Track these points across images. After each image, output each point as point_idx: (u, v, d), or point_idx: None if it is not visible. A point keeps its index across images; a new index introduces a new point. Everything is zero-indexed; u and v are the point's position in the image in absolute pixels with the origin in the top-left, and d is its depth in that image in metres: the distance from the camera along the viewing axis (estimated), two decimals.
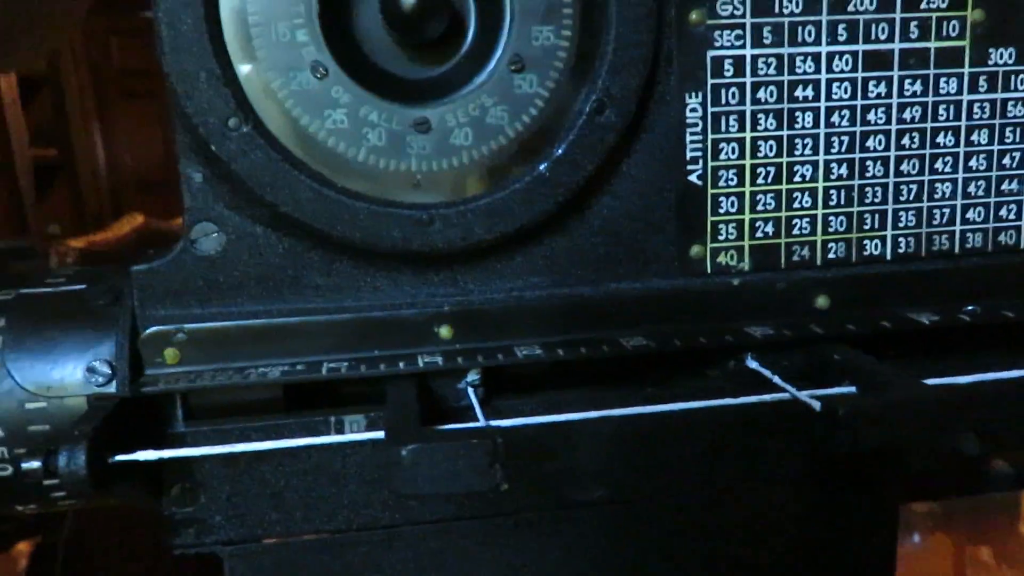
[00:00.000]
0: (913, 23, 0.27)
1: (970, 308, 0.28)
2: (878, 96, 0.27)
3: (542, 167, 0.26)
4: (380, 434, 0.25)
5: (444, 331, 0.26)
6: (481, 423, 0.24)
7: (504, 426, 0.25)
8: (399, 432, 0.22)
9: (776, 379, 0.26)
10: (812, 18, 0.27)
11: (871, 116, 0.28)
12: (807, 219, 0.28)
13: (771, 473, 0.27)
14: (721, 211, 0.27)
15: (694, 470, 0.27)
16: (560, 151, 0.26)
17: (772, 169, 0.27)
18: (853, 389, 0.25)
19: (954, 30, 0.27)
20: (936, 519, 0.71)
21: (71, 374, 0.25)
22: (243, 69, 0.24)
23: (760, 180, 0.27)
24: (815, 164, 0.28)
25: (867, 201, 0.28)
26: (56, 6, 0.29)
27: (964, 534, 0.70)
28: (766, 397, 0.25)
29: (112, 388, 0.25)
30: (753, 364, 0.27)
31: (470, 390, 0.26)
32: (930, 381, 0.25)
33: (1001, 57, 0.28)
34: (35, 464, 0.22)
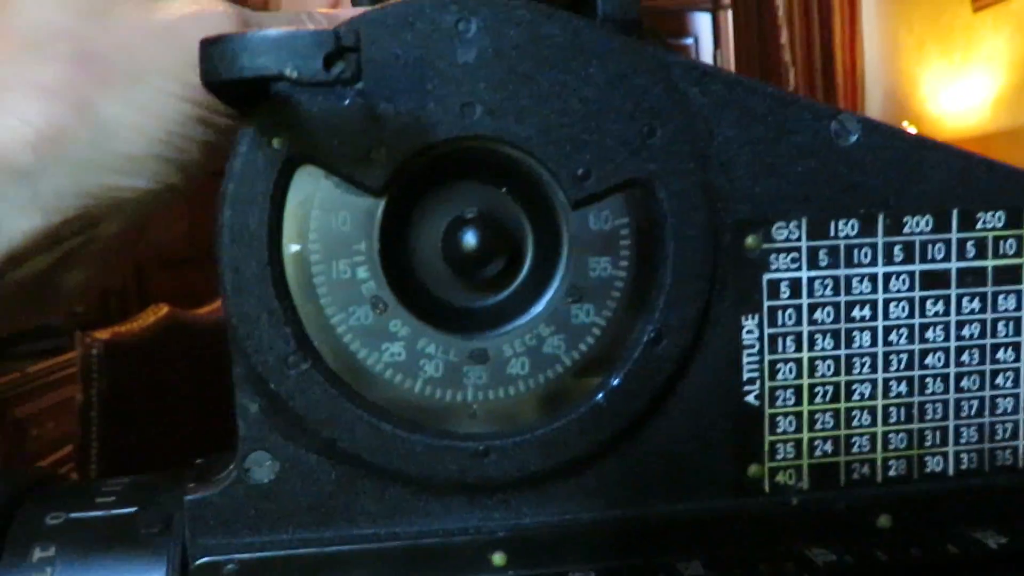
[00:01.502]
0: (969, 243, 0.27)
1: None
2: (936, 314, 0.27)
3: (599, 397, 0.25)
4: None
5: (498, 558, 0.26)
6: None
7: None
8: None
9: None
10: (868, 240, 0.27)
11: (929, 334, 0.27)
12: (866, 437, 0.27)
13: None
14: (779, 431, 0.27)
15: None
16: (616, 381, 0.25)
17: (830, 388, 0.27)
18: None
19: (1011, 248, 0.27)
20: None
21: None
22: (303, 307, 0.24)
23: (818, 399, 0.27)
24: (873, 382, 0.27)
25: (927, 418, 0.28)
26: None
27: None
28: None
29: None
30: None
31: None
32: None
33: None
34: None
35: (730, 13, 3.19)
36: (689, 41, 3.24)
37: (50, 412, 1.85)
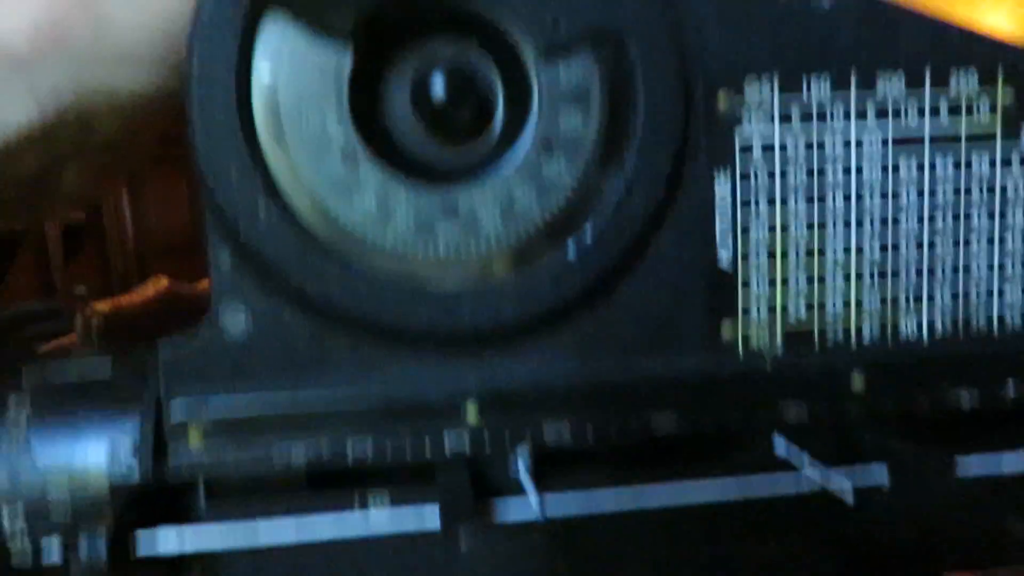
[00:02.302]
0: (943, 101, 0.27)
1: (1011, 389, 0.28)
2: (909, 176, 0.27)
3: (571, 250, 0.25)
4: (406, 516, 0.24)
5: (471, 413, 0.26)
6: (535, 506, 0.24)
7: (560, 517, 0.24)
8: (454, 513, 0.21)
9: (806, 464, 0.25)
10: (841, 97, 0.27)
11: (903, 196, 0.27)
12: (840, 300, 0.27)
13: (799, 567, 0.26)
14: (752, 292, 0.27)
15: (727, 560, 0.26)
16: (588, 235, 0.25)
17: (803, 249, 0.27)
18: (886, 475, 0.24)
19: (985, 107, 0.27)
20: None
21: (94, 459, 0.25)
22: (273, 154, 0.24)
23: (791, 260, 0.27)
24: (846, 244, 0.27)
25: (901, 283, 0.28)
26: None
27: None
28: (794, 484, 0.24)
29: (136, 474, 0.25)
30: (781, 447, 0.26)
31: (522, 470, 0.26)
32: (970, 462, 0.24)
33: None
34: (55, 559, 0.22)
35: None
36: None
37: None
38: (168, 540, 0.24)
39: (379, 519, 0.25)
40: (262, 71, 0.24)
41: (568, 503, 0.26)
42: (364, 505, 0.25)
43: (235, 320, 0.25)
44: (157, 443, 0.25)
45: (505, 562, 0.25)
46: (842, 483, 0.22)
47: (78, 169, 0.30)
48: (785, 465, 0.26)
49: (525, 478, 0.25)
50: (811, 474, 0.24)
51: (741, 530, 0.26)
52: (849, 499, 0.22)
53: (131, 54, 0.27)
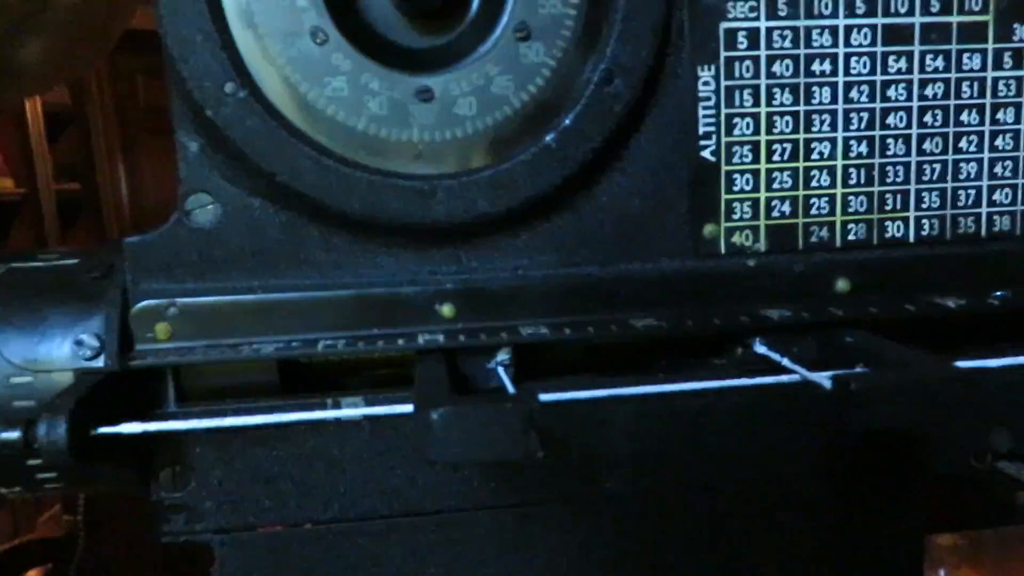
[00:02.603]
0: None
1: (999, 294, 0.27)
2: (898, 71, 0.26)
3: (548, 138, 0.25)
4: (380, 410, 0.24)
5: (446, 309, 0.25)
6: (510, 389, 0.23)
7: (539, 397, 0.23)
8: (430, 398, 0.20)
9: (785, 361, 0.25)
10: None
11: (891, 92, 0.27)
12: (825, 198, 0.27)
13: (783, 466, 0.26)
14: (735, 189, 0.26)
15: (707, 458, 0.26)
16: (567, 122, 0.25)
17: (788, 146, 0.26)
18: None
19: (977, 4, 0.26)
20: (962, 553, 0.68)
21: (59, 348, 0.24)
22: (241, 34, 0.24)
23: (776, 157, 0.26)
24: (833, 141, 0.27)
25: (888, 181, 0.27)
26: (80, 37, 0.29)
27: (991, 569, 0.67)
28: (772, 379, 0.24)
29: (100, 363, 0.24)
30: (761, 349, 0.26)
31: (500, 369, 0.25)
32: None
33: None
34: (14, 435, 0.21)
35: None
36: None
37: None
38: (131, 426, 0.23)
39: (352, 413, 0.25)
40: None
41: (546, 390, 0.25)
42: (337, 404, 0.25)
43: (203, 210, 0.25)
44: (123, 336, 0.24)
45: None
46: (821, 378, 0.22)
47: (40, 42, 0.29)
48: (766, 365, 0.25)
49: (502, 372, 0.25)
50: (792, 369, 0.24)
51: (722, 426, 0.25)
52: (827, 384, 0.21)
53: None
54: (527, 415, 0.20)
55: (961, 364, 0.24)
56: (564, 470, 0.25)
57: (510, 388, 0.24)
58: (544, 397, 0.23)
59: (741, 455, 0.26)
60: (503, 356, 0.25)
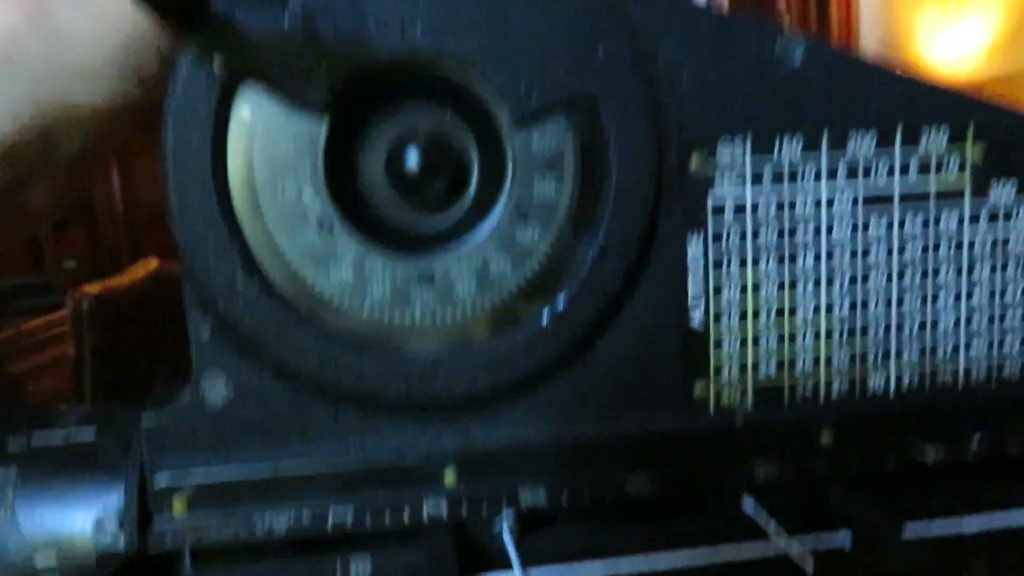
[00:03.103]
0: (913, 160, 0.27)
1: (975, 440, 0.28)
2: (878, 234, 0.28)
3: (545, 316, 0.26)
4: None
5: (449, 476, 0.27)
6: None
7: None
8: None
9: (771, 527, 0.26)
10: (812, 158, 0.27)
11: (872, 255, 0.28)
12: (810, 357, 0.28)
13: None
14: (724, 351, 0.28)
15: None
16: (562, 301, 0.26)
17: (774, 309, 0.28)
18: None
19: (954, 165, 0.28)
20: None
21: (80, 527, 0.25)
22: (249, 226, 0.25)
23: (762, 319, 0.28)
24: (817, 303, 0.28)
25: (869, 338, 0.28)
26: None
27: None
28: (760, 549, 0.25)
29: (121, 544, 0.25)
30: (749, 508, 0.27)
31: (506, 534, 0.26)
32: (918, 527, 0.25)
33: (1002, 190, 0.28)
34: None
35: None
36: None
37: (45, 368, 1.86)
38: None
39: None
40: (237, 143, 0.24)
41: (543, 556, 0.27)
42: (346, 571, 0.26)
43: (215, 389, 0.26)
44: (142, 511, 0.26)
45: None
46: (804, 551, 0.23)
47: (46, 186, 0.29)
48: (753, 528, 0.26)
49: (509, 543, 0.26)
50: (776, 541, 0.25)
51: None
52: (809, 569, 0.22)
53: (87, 68, 0.26)
54: None
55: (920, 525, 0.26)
56: None
57: (514, 560, 0.25)
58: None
59: None
60: (507, 517, 0.27)
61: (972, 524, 0.26)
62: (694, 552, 0.25)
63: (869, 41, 3.11)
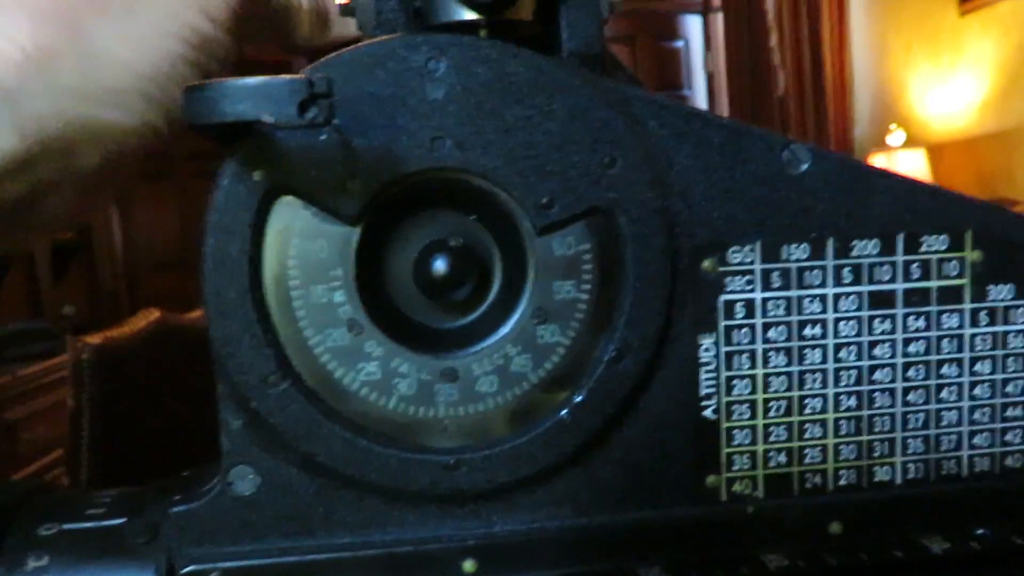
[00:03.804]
0: (915, 264, 0.29)
1: (980, 532, 0.29)
2: (883, 332, 0.29)
3: (563, 412, 0.27)
4: None
5: (468, 565, 0.27)
6: None
7: None
8: None
9: None
10: (818, 263, 0.28)
11: (877, 351, 0.29)
12: (818, 448, 0.29)
13: None
14: (735, 443, 0.29)
15: None
16: (580, 397, 0.27)
17: (783, 403, 0.29)
18: None
19: (954, 269, 0.29)
20: None
21: None
22: (283, 327, 0.26)
23: (772, 413, 0.29)
24: (824, 397, 0.29)
25: (876, 430, 0.29)
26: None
27: None
28: None
29: None
30: None
31: None
32: None
33: (1000, 293, 0.29)
34: None
35: (720, 16, 3.21)
36: (679, 44, 3.26)
37: (42, 415, 1.86)
38: None
39: None
40: (272, 249, 0.26)
41: None
42: None
43: (244, 480, 0.27)
44: None
45: None
46: None
47: (60, 197, 0.30)
48: None
49: None
50: None
51: None
52: None
53: (118, 90, 0.27)
54: None
55: None
56: None
57: None
58: None
59: None
60: None
61: None
62: None
63: (862, 97, 3.17)
